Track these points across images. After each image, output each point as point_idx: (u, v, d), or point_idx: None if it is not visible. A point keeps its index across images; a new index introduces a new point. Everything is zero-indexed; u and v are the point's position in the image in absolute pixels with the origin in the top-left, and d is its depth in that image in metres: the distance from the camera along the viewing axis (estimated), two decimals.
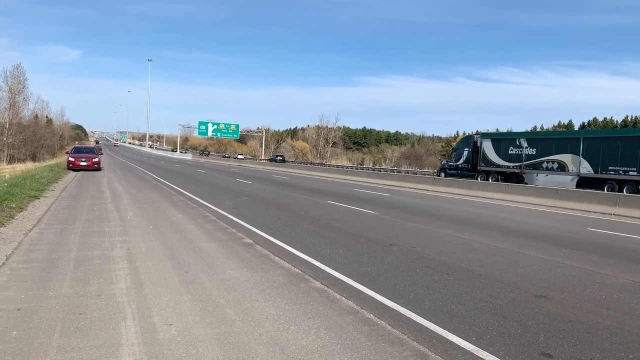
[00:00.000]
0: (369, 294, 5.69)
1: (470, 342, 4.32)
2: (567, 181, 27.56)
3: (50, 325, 4.37)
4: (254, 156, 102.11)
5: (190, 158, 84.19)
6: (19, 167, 33.21)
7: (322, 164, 69.33)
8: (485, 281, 6.52)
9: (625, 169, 24.72)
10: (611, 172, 25.38)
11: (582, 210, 17.50)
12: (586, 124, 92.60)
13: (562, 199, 19.17)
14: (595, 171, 26.22)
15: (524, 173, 30.84)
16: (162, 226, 10.03)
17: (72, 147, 39.85)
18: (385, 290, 5.87)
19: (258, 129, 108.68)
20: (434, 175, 38.43)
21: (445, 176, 34.90)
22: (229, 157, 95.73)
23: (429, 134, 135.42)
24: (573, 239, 10.75)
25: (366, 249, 8.50)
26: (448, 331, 4.57)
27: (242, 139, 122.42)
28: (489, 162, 32.94)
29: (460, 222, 12.76)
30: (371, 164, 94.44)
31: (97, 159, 30.14)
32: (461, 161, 35.73)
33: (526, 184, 29.02)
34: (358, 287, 5.94)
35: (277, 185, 24.34)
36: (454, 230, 11.02)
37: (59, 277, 5.91)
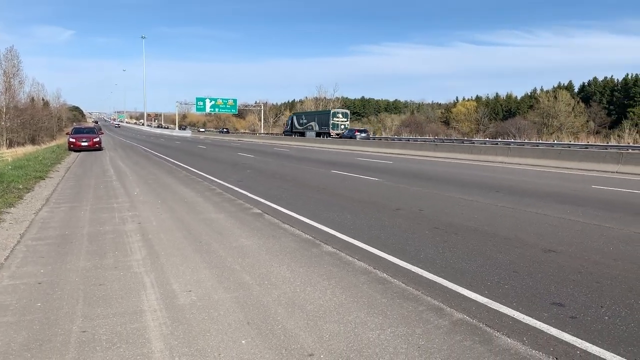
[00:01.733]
0: (380, 255, 5.79)
1: (483, 296, 4.43)
2: (313, 135, 54.55)
3: (73, 296, 4.47)
4: (254, 131, 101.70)
5: (189, 135, 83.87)
6: (20, 151, 33.17)
7: None
8: (494, 239, 6.62)
9: (324, 126, 54.28)
10: (322, 129, 54.61)
11: (585, 170, 17.55)
12: (586, 84, 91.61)
13: (564, 159, 19.22)
14: (320, 129, 55.08)
15: (304, 132, 58.40)
16: (170, 200, 10.12)
17: (72, 127, 39.70)
18: (396, 251, 5.97)
19: (256, 103, 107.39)
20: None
21: (285, 136, 62.32)
22: (228, 132, 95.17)
23: (428, 100, 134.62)
24: (578, 196, 10.83)
25: (373, 214, 8.59)
26: (461, 286, 4.67)
27: (241, 114, 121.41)
28: (295, 128, 62.25)
29: (464, 184, 12.83)
30: (372, 133, 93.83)
31: (97, 139, 30.09)
32: (288, 128, 65.31)
33: (304, 136, 55.35)
34: (369, 250, 6.04)
35: (279, 158, 24.36)
36: (459, 193, 11.09)
37: (75, 252, 6.01)
